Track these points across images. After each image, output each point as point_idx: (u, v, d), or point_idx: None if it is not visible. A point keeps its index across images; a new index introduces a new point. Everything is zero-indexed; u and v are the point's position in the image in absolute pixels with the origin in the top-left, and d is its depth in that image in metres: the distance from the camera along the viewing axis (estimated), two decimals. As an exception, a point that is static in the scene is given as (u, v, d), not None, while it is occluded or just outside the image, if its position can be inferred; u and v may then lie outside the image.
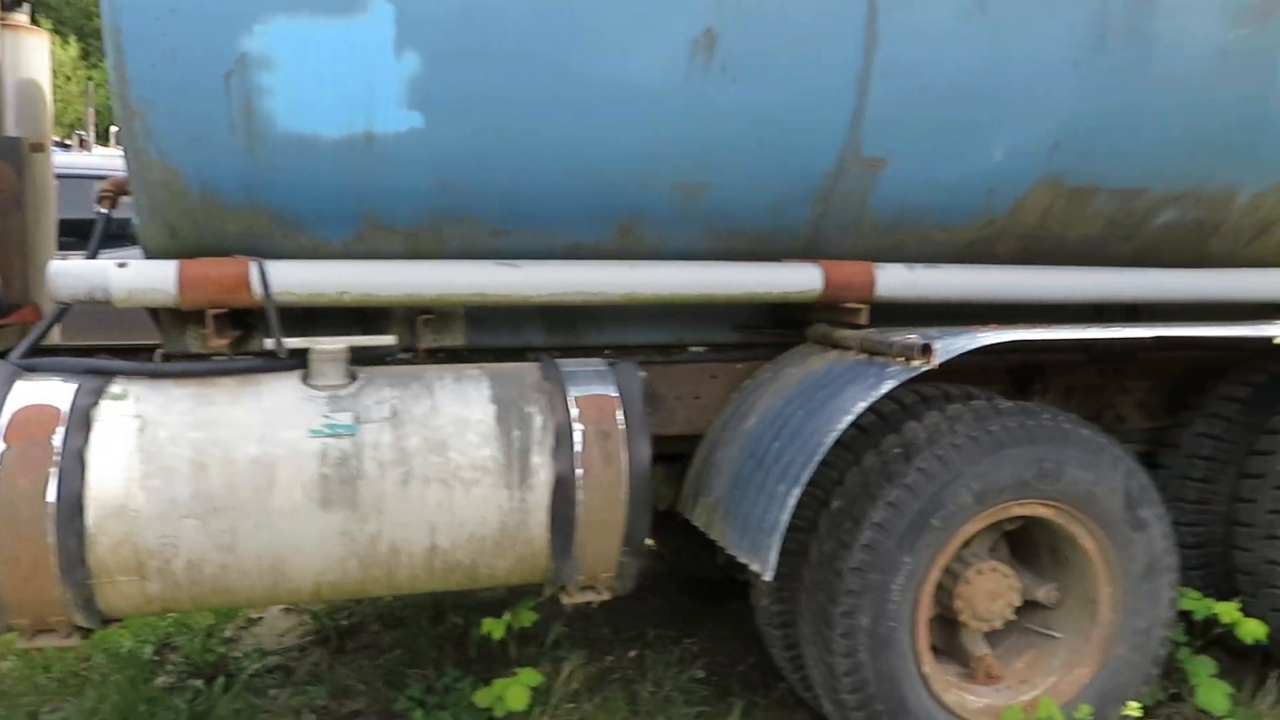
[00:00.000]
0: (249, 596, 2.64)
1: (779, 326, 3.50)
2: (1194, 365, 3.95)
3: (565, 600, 2.91)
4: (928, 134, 3.10)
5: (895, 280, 3.15)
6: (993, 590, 3.08)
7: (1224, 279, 3.58)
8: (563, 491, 2.68)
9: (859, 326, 3.12)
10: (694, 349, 3.48)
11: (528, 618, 3.33)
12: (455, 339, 3.25)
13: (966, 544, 3.14)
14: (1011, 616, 3.13)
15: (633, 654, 4.01)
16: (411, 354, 3.10)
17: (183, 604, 2.61)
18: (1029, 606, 3.24)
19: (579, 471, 2.69)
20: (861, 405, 2.71)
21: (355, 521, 2.55)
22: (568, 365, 2.89)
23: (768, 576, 2.66)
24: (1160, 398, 3.97)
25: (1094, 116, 3.22)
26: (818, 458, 2.67)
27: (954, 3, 2.97)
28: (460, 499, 2.62)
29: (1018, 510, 2.99)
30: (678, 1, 2.77)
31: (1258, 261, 3.83)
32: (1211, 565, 3.60)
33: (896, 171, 3.14)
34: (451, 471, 2.61)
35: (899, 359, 2.80)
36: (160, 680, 3.83)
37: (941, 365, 2.79)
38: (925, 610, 2.94)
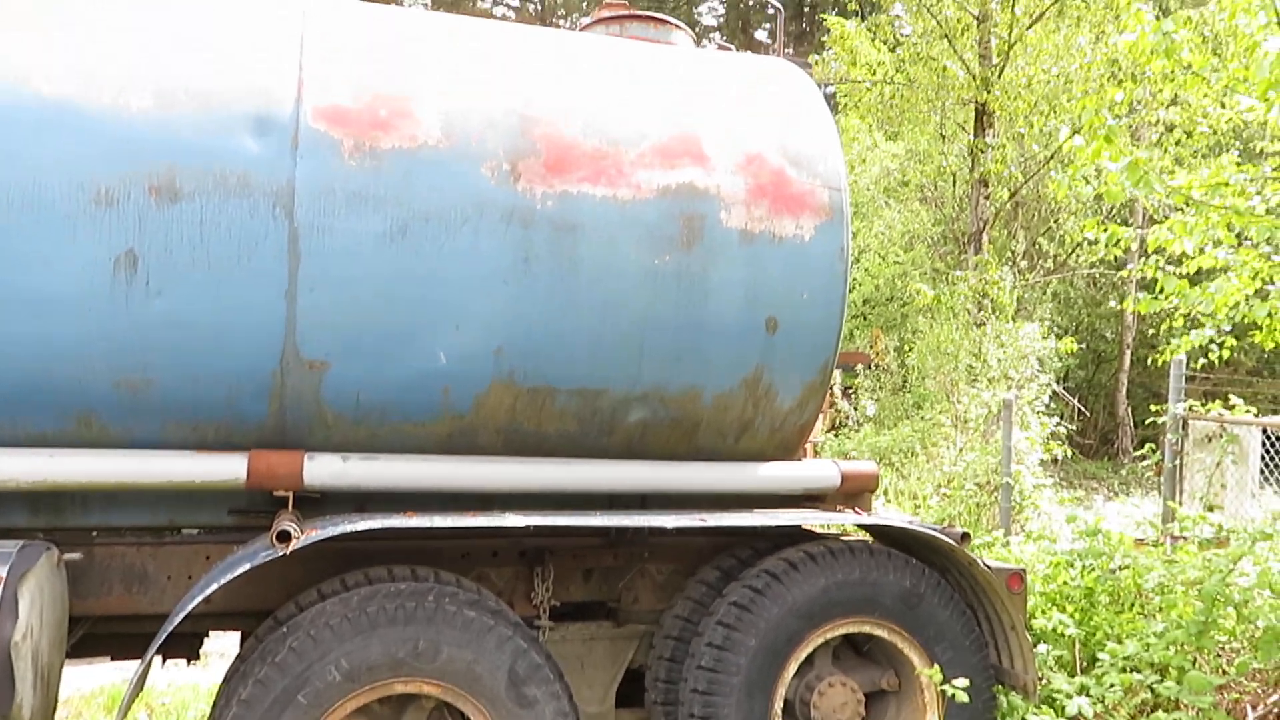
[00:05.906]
0: None
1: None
2: (707, 551, 4.26)
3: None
4: (364, 339, 3.49)
5: (325, 470, 3.46)
6: (399, 766, 3.25)
7: (668, 471, 3.94)
8: (-75, 660, 2.87)
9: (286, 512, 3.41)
10: (188, 530, 3.75)
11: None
12: (-70, 520, 3.49)
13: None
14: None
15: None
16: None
17: None
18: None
19: (-57, 642, 2.89)
20: (214, 586, 2.97)
21: None
22: (-13, 547, 3.13)
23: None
24: (683, 581, 4.24)
25: (530, 326, 3.64)
26: (168, 631, 2.92)
27: (373, 228, 3.43)
28: None
29: (401, 688, 3.20)
30: (99, 224, 3.20)
31: (754, 456, 4.22)
32: (683, 748, 3.77)
33: (342, 371, 3.51)
34: None
35: (276, 543, 3.08)
36: None
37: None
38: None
